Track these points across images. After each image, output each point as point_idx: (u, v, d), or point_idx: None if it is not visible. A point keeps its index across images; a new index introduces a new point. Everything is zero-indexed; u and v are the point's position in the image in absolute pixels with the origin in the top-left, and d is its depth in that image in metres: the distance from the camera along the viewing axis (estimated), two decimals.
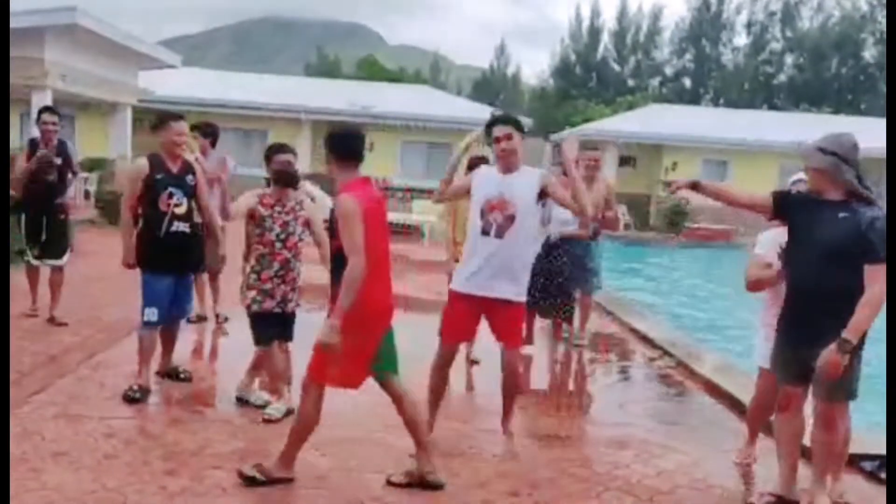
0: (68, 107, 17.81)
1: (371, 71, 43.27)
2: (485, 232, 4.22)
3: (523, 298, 4.39)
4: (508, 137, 4.24)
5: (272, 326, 4.75)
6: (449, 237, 6.21)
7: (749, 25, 52.78)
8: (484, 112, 24.02)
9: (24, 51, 11.24)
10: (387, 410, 5.00)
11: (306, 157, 22.17)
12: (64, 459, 3.90)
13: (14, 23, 10.72)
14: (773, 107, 45.00)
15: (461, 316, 4.38)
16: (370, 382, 5.65)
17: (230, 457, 4.05)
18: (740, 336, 8.22)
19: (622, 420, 5.22)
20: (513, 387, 4.54)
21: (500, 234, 4.20)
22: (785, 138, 24.00)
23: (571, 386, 6.45)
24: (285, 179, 4.71)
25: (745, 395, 5.51)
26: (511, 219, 4.19)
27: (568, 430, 4.93)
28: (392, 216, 17.45)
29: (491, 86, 60.72)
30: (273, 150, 4.86)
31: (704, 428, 5.37)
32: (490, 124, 4.37)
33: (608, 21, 55.56)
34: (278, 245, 4.67)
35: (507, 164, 4.30)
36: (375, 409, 5.03)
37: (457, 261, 6.02)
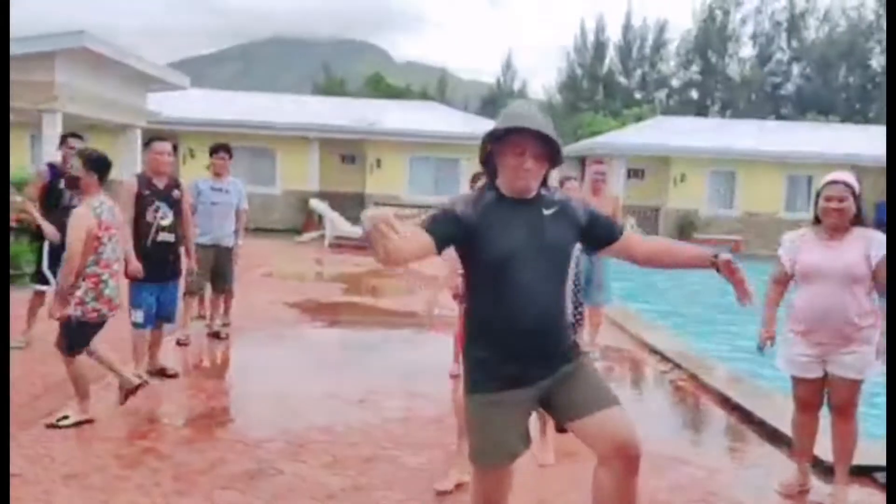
0: (78, 130, 17.99)
1: (378, 88, 43.54)
2: None
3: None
4: None
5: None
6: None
7: (755, 36, 52.90)
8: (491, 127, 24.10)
9: (34, 75, 11.35)
10: (397, 427, 5.02)
11: (315, 175, 22.30)
12: (74, 481, 3.90)
13: (24, 48, 10.90)
14: (780, 117, 44.91)
15: None
16: (379, 402, 5.65)
17: (240, 477, 4.04)
18: (750, 347, 8.15)
19: None
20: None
21: None
22: (792, 148, 23.98)
23: None
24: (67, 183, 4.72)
25: (757, 407, 5.51)
26: None
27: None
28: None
29: (498, 101, 60.97)
30: None
31: (717, 441, 5.34)
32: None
33: (613, 34, 55.82)
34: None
35: None
36: (386, 426, 5.03)
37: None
